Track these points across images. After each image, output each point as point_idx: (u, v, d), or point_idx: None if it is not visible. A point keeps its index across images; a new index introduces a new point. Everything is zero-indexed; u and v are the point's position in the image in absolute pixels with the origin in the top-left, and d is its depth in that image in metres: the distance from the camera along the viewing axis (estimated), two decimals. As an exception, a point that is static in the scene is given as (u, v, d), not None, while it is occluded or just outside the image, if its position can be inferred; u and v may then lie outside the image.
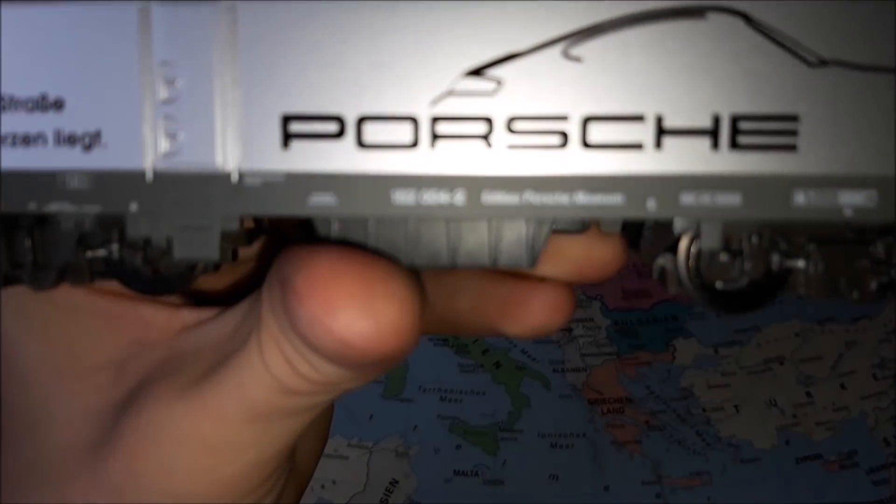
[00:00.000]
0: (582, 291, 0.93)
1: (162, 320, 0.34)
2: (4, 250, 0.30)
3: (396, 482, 0.90)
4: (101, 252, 0.31)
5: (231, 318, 0.33)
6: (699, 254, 0.29)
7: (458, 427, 0.91)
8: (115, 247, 0.30)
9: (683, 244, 0.29)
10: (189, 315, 0.35)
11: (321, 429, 0.42)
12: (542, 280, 0.36)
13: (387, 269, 0.28)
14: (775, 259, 0.28)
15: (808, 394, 0.90)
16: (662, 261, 0.30)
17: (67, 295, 0.34)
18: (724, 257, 0.28)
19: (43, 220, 0.30)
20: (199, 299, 0.38)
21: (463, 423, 0.91)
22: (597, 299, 0.93)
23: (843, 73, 0.26)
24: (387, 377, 0.92)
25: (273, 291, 0.29)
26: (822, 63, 0.26)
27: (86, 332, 0.35)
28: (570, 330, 0.93)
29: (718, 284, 0.29)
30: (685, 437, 0.90)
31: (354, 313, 0.27)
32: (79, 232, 0.30)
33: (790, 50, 0.26)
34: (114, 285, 0.33)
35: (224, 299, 0.35)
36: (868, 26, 0.26)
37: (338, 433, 0.91)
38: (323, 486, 0.90)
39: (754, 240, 0.28)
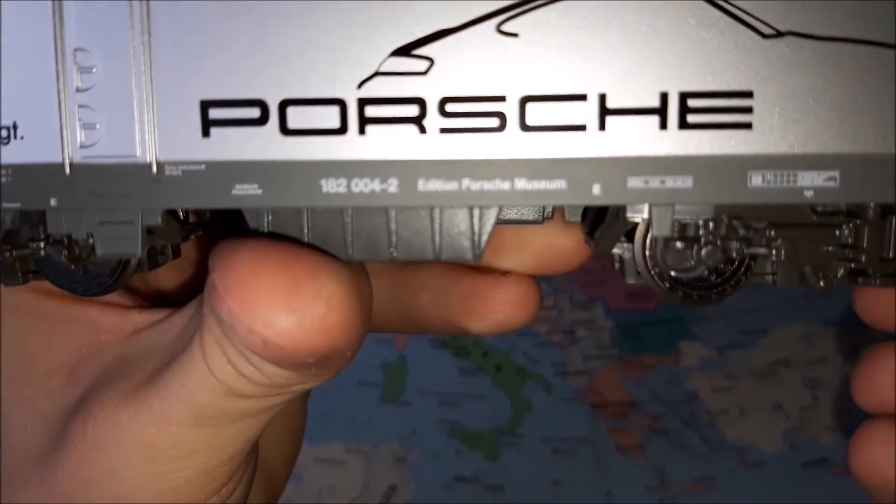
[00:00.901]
0: (585, 293, 0.92)
1: (112, 323, 0.34)
2: None
3: (395, 488, 0.89)
4: (27, 250, 0.30)
5: (179, 320, 0.32)
6: (654, 243, 0.27)
7: (458, 431, 0.90)
8: (40, 245, 0.29)
9: (639, 232, 0.27)
10: (140, 317, 0.34)
11: (293, 433, 0.41)
12: (506, 274, 0.34)
13: (315, 263, 0.26)
14: (734, 246, 0.27)
15: (814, 397, 0.88)
16: (620, 250, 0.29)
17: (15, 298, 0.33)
18: (678, 245, 0.27)
19: None
20: (159, 300, 0.36)
21: (463, 428, 0.90)
22: (599, 300, 0.92)
23: (801, 44, 0.24)
24: (385, 380, 0.91)
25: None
26: (778, 34, 0.25)
27: (37, 337, 0.34)
28: (572, 332, 0.92)
29: (673, 273, 0.27)
30: (689, 441, 0.89)
31: (275, 311, 0.26)
32: (3, 229, 0.29)
33: (742, 21, 0.24)
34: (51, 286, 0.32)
35: (182, 299, 0.34)
36: None
37: (335, 438, 0.90)
38: (320, 492, 0.89)
39: (710, 227, 0.27)
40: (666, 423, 0.89)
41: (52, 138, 0.27)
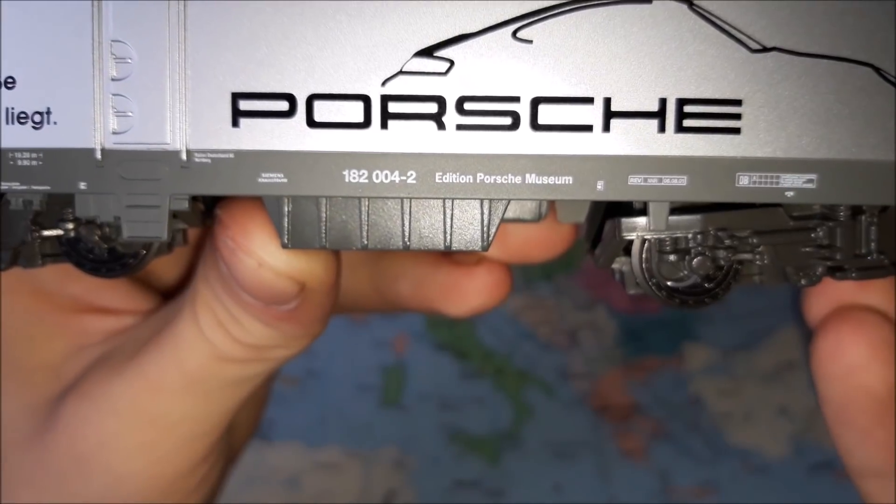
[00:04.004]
0: (588, 294, 0.94)
1: (105, 329, 0.38)
2: None
3: (394, 493, 0.91)
4: (55, 231, 0.32)
5: (163, 313, 0.37)
6: (650, 256, 0.31)
7: (459, 436, 0.92)
8: (69, 226, 0.32)
9: (636, 248, 0.32)
10: (131, 321, 0.39)
11: (254, 410, 0.46)
12: (479, 262, 0.39)
13: None
14: (722, 255, 0.31)
15: (820, 399, 0.90)
16: (619, 264, 0.33)
17: (8, 300, 0.38)
18: (672, 258, 0.31)
19: None
20: (154, 292, 0.41)
21: (463, 432, 0.92)
22: (602, 301, 0.94)
23: (784, 59, 0.29)
24: (385, 384, 0.93)
25: (206, 264, 0.32)
26: (764, 49, 0.29)
27: (23, 337, 0.38)
28: (574, 334, 0.94)
29: (670, 283, 0.32)
30: (694, 445, 0.91)
31: (266, 237, 0.31)
32: (31, 211, 0.32)
33: (732, 36, 0.29)
34: (64, 286, 0.36)
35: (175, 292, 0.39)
36: (805, 15, 0.28)
37: (333, 442, 0.92)
38: (318, 497, 0.91)
39: (699, 238, 0.31)
40: (670, 428, 0.91)
41: (85, 124, 0.30)
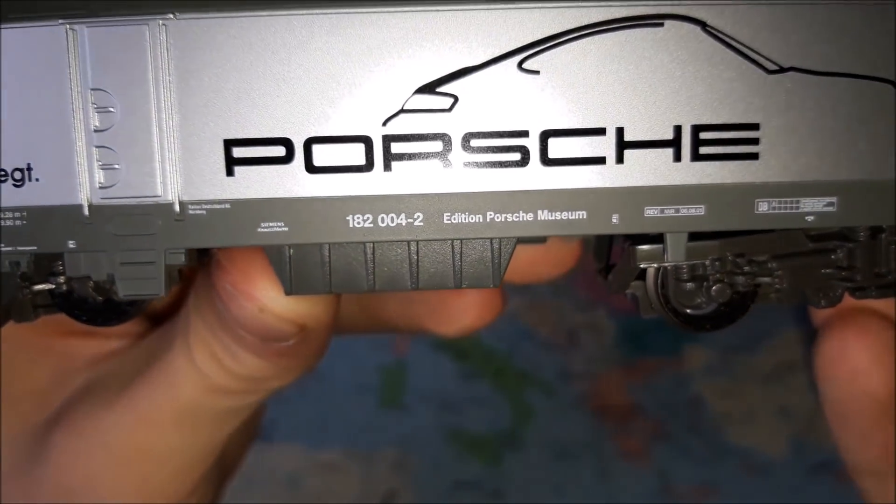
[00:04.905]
0: (587, 294, 0.94)
1: (90, 353, 0.37)
2: None
3: (394, 493, 0.91)
4: (46, 286, 0.31)
5: (149, 343, 0.36)
6: (665, 283, 0.30)
7: (458, 436, 0.91)
8: (60, 279, 0.31)
9: (651, 274, 0.30)
10: (118, 344, 0.37)
11: (249, 426, 0.45)
12: None
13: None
14: (740, 281, 0.30)
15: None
16: (633, 289, 0.32)
17: None
18: (689, 286, 0.30)
19: None
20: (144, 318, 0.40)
21: (463, 433, 0.91)
22: (602, 302, 0.94)
23: (802, 79, 0.27)
24: (384, 385, 0.92)
25: (201, 298, 0.31)
26: (781, 70, 0.27)
27: (7, 365, 0.37)
28: (574, 334, 0.93)
29: (688, 311, 0.30)
30: (694, 446, 0.90)
31: (268, 282, 0.30)
32: (19, 271, 0.30)
33: (748, 57, 0.27)
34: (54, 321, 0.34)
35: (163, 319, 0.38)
36: (823, 32, 0.27)
37: (334, 443, 0.92)
38: (318, 497, 0.91)
39: (717, 265, 0.29)
40: (670, 428, 0.91)
41: (69, 180, 0.28)
